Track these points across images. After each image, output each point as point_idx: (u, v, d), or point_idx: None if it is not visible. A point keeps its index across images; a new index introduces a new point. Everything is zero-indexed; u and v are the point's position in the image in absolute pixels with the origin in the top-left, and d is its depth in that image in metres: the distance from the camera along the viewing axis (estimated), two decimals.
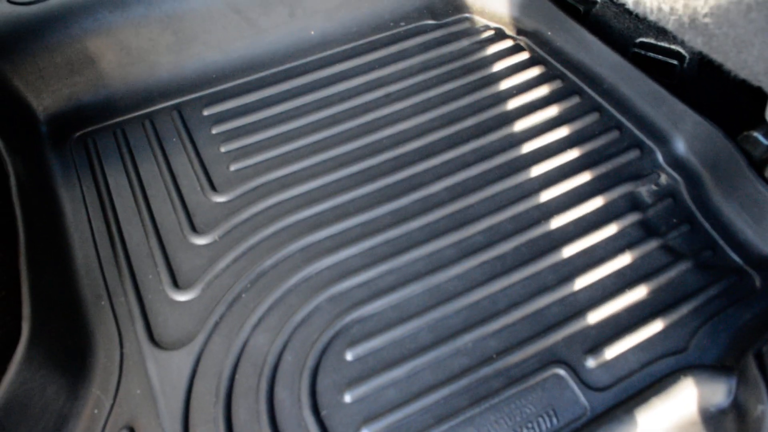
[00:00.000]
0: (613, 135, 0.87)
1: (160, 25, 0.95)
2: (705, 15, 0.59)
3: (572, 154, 0.85)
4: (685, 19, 0.62)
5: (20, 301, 0.67)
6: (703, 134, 0.82)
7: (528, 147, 0.86)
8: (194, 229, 0.79)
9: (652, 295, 0.70)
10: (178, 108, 0.93)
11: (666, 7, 0.62)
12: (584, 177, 0.82)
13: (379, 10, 1.04)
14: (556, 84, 0.94)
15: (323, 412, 0.63)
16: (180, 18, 0.96)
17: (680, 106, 0.85)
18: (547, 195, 0.80)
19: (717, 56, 0.62)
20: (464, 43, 1.01)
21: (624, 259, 0.73)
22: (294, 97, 0.94)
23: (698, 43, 0.63)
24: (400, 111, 0.91)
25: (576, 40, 0.97)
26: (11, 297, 0.68)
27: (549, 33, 1.00)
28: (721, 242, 0.75)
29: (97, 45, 0.93)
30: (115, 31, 0.94)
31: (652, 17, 0.67)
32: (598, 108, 0.90)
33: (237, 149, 0.88)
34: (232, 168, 0.85)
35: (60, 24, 0.92)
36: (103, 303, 0.72)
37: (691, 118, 0.83)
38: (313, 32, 1.01)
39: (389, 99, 0.93)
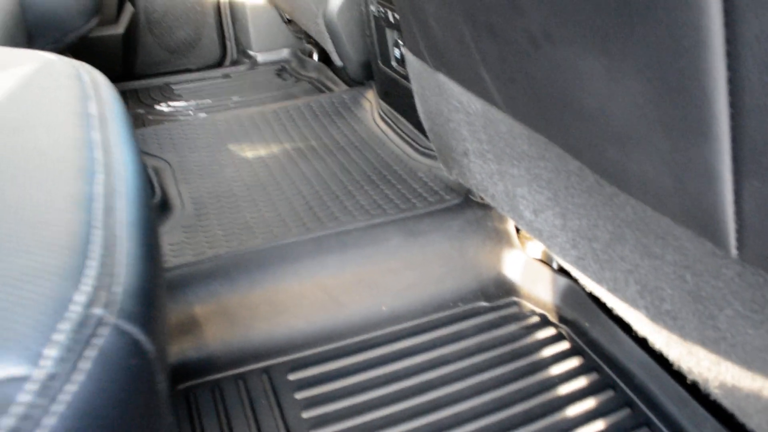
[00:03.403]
0: None
1: (260, 296, 1.14)
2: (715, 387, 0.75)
3: None
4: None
5: None
6: None
7: None
8: None
9: None
10: (267, 371, 1.10)
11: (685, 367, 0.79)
12: None
13: (440, 291, 1.23)
14: (593, 376, 1.09)
15: None
16: (276, 292, 1.15)
17: (701, 411, 0.98)
18: None
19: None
20: (512, 327, 1.18)
21: None
22: (367, 369, 1.10)
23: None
24: (458, 391, 1.06)
25: (609, 335, 1.13)
26: None
27: (586, 324, 1.17)
28: None
29: (205, 310, 1.12)
30: (222, 300, 1.13)
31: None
32: (629, 403, 1.04)
33: (317, 416, 1.02)
34: None
35: (179, 291, 1.12)
36: None
37: (711, 424, 0.97)
38: (384, 308, 1.19)
39: (448, 379, 1.08)
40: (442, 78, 0.95)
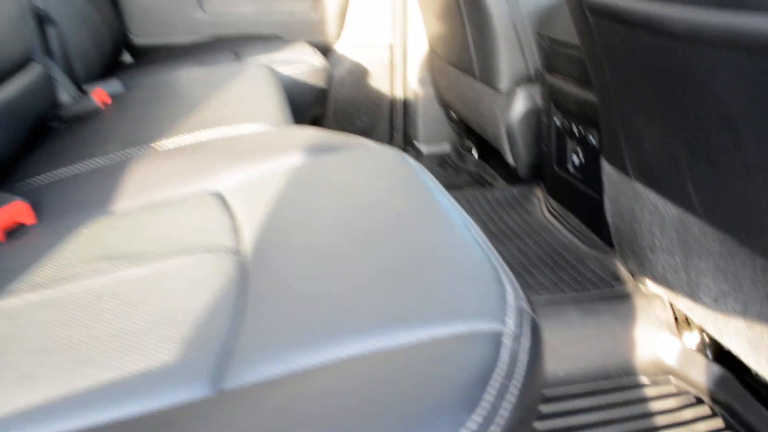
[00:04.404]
0: None
1: None
2: None
3: None
4: None
5: None
6: None
7: None
8: None
9: None
10: None
11: None
12: None
13: (608, 363, 1.44)
14: None
15: None
16: None
17: None
18: None
19: None
20: (670, 402, 1.37)
21: None
22: (545, 419, 1.31)
23: None
24: None
25: (762, 419, 1.30)
26: None
27: (739, 407, 1.34)
28: None
29: None
30: None
31: None
32: None
33: None
34: None
35: None
36: None
37: None
38: (560, 372, 1.42)
39: None
40: (639, 186, 1.21)
